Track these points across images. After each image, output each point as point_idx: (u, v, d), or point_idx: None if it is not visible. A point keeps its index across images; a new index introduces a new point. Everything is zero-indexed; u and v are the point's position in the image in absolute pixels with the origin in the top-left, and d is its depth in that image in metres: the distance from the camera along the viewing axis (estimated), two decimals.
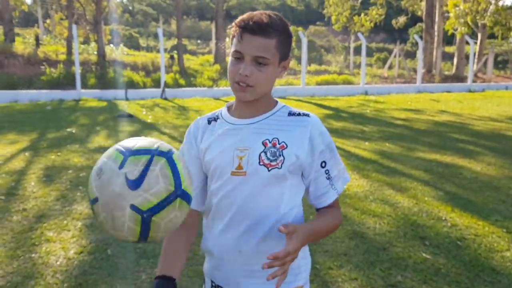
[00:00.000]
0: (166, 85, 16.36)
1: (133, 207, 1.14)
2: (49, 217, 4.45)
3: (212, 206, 1.49)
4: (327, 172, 1.46)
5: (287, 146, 1.41)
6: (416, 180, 5.94)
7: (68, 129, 9.33)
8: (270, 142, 1.42)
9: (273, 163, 1.41)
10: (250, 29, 1.35)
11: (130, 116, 11.27)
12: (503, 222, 4.47)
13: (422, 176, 6.12)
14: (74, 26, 16.41)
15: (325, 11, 32.16)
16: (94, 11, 23.33)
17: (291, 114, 1.47)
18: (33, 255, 3.64)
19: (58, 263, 3.50)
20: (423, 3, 26.38)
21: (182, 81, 19.03)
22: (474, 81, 22.36)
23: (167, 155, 1.22)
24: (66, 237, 3.99)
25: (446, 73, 26.22)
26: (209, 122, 1.54)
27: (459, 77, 24.28)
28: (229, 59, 1.42)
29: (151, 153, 1.19)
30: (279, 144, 1.42)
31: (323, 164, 1.45)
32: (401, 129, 10.11)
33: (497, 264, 3.61)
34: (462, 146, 8.20)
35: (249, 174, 1.42)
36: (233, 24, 1.41)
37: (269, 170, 1.41)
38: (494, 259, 3.70)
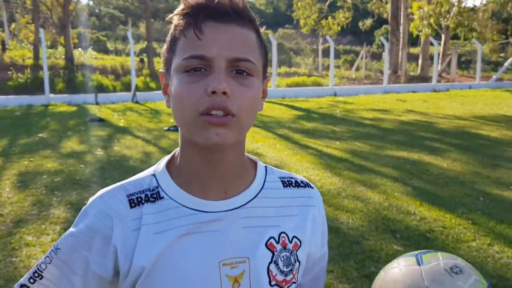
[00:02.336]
0: (137, 89, 16.30)
1: None
2: (27, 221, 4.46)
3: None
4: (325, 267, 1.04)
5: (300, 243, 0.91)
6: (386, 176, 6.16)
7: (39, 135, 9.23)
8: (277, 242, 0.88)
9: (288, 277, 0.89)
10: (216, 12, 0.78)
11: (101, 120, 11.21)
12: (469, 215, 4.71)
13: (391, 173, 6.35)
14: (41, 30, 16.17)
15: (293, 14, 32.56)
16: (61, 14, 22.99)
17: (286, 184, 0.95)
18: (13, 259, 3.66)
19: None
20: (389, 6, 27.03)
21: (152, 85, 18.97)
22: (438, 81, 23.04)
23: None
24: (45, 241, 4.01)
25: (412, 73, 26.92)
26: (133, 204, 0.84)
27: (424, 78, 24.97)
28: (171, 85, 0.83)
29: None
30: (289, 241, 0.90)
31: (325, 257, 1.02)
32: (369, 129, 10.40)
33: (464, 253, 3.82)
34: (428, 144, 8.51)
35: None
36: (177, 12, 0.82)
37: None
38: (461, 249, 3.92)
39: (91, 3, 56.92)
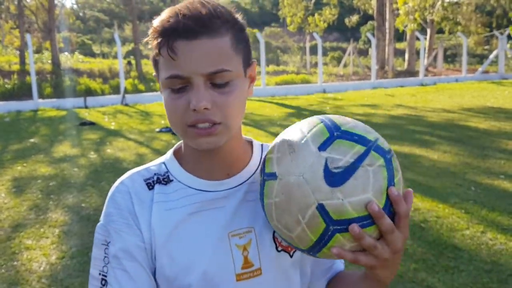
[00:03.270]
0: (126, 91, 16.26)
1: (321, 209, 0.77)
2: (25, 226, 4.47)
3: None
4: None
5: None
6: None
7: (31, 140, 9.19)
8: None
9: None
10: (184, 31, 0.81)
11: (92, 123, 11.18)
12: (461, 204, 4.81)
13: None
14: (28, 36, 16.05)
15: (280, 13, 32.66)
16: (46, 19, 22.83)
17: None
18: (14, 263, 3.67)
19: (41, 269, 3.56)
20: (374, 2, 27.23)
21: (141, 87, 18.92)
22: (425, 75, 23.25)
23: (387, 156, 0.82)
24: (45, 244, 4.03)
25: (399, 68, 27.15)
26: (150, 186, 0.94)
27: (411, 72, 25.19)
28: (162, 95, 0.89)
29: (368, 145, 0.80)
30: None
31: None
32: None
33: (458, 241, 3.91)
34: (418, 137, 8.63)
35: (266, 271, 0.93)
36: (149, 32, 0.86)
37: (291, 256, 0.96)
38: (456, 237, 4.00)
39: (75, 6, 56.54)
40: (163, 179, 0.95)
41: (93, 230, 0.93)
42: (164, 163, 0.98)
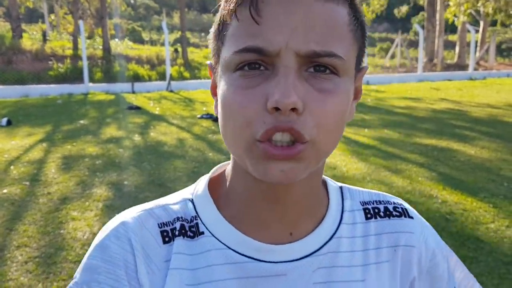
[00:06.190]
0: (172, 78, 16.74)
1: None
2: (72, 199, 4.86)
3: None
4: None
5: None
6: (412, 162, 6.30)
7: (80, 121, 9.73)
8: None
9: None
10: None
11: (138, 108, 11.66)
12: (491, 198, 4.83)
13: (418, 159, 6.48)
14: (81, 22, 16.79)
15: None
16: (99, 5, 23.68)
17: (371, 214, 0.68)
18: (61, 231, 4.04)
19: (85, 237, 3.91)
20: None
21: (186, 74, 19.39)
22: (476, 69, 22.59)
23: None
24: (89, 216, 4.39)
25: (449, 61, 26.44)
26: (167, 238, 0.61)
27: (461, 66, 24.50)
28: (219, 86, 0.59)
29: None
30: None
31: None
32: (400, 117, 10.45)
33: (482, 234, 3.98)
34: (458, 132, 8.54)
35: None
36: None
37: None
38: (479, 230, 4.07)
39: None
40: (190, 228, 0.62)
41: (133, 205, 0.67)
42: (192, 201, 0.65)
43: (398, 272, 0.66)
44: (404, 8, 33.09)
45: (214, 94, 0.63)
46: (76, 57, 20.02)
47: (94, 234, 3.97)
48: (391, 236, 0.67)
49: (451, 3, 21.71)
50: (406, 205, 0.72)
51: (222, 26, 0.57)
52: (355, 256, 0.64)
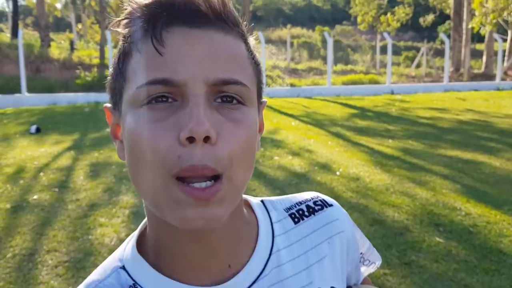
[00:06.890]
0: None
1: None
2: (100, 206, 5.00)
3: None
4: (362, 260, 0.84)
5: None
6: (436, 174, 6.27)
7: (107, 130, 9.90)
8: None
9: None
10: (187, 12, 0.54)
11: None
12: None
13: (442, 171, 6.44)
14: (108, 32, 17.18)
15: (351, 11, 32.36)
16: None
17: (297, 217, 0.70)
18: (89, 237, 4.17)
19: (112, 243, 4.03)
20: (451, 1, 26.31)
21: None
22: (503, 79, 22.23)
23: None
24: (116, 222, 4.52)
25: (476, 71, 26.08)
26: None
27: (488, 76, 24.14)
28: (123, 126, 0.57)
29: None
30: None
31: (361, 260, 0.84)
32: (425, 128, 10.38)
33: (505, 246, 3.95)
34: (484, 143, 8.45)
35: None
36: (125, 15, 0.56)
37: None
38: (503, 242, 4.04)
39: None
40: None
41: None
42: (124, 268, 0.62)
43: (338, 260, 0.70)
44: (430, 17, 32.78)
45: (116, 137, 0.62)
46: (103, 66, 20.47)
47: (121, 240, 4.09)
48: (323, 230, 0.70)
49: (476, 13, 21.46)
50: (322, 195, 0.75)
51: (123, 61, 0.56)
52: (297, 262, 0.66)
